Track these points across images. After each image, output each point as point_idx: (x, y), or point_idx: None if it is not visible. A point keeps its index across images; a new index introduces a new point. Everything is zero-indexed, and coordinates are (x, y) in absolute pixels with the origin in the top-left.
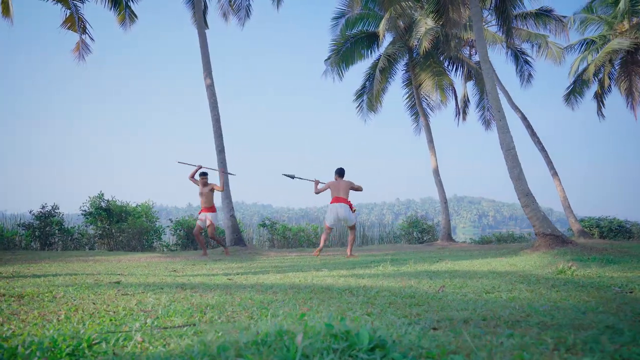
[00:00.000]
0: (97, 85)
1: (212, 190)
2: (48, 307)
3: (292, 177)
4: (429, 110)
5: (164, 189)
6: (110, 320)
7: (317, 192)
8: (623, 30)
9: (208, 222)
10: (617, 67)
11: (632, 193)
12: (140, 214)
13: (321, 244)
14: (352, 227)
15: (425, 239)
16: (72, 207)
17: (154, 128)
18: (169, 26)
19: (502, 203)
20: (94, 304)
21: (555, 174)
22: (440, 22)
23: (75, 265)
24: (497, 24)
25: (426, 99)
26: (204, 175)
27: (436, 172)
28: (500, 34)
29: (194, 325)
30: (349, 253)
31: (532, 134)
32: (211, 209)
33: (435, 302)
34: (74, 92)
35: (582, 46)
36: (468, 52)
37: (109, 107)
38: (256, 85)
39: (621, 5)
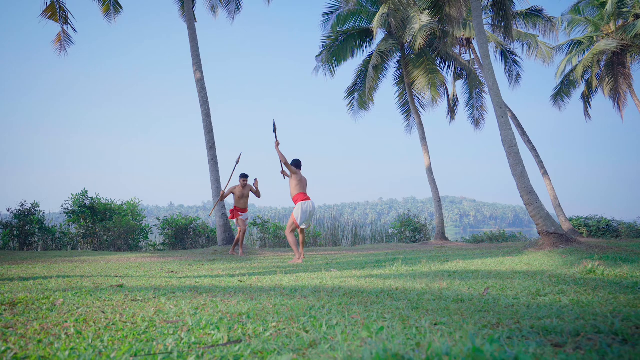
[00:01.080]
0: (81, 83)
1: (249, 191)
2: (50, 318)
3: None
4: (420, 108)
5: (145, 187)
6: (133, 335)
7: (284, 171)
8: (609, 31)
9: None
10: (602, 68)
11: (618, 193)
12: (126, 212)
13: (297, 249)
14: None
15: (417, 237)
16: (53, 206)
17: (138, 126)
18: (157, 20)
19: (483, 203)
20: (103, 312)
21: (545, 173)
22: (437, 18)
23: (62, 266)
24: (495, 21)
25: (419, 97)
26: (244, 177)
27: (429, 170)
28: (492, 31)
29: (240, 341)
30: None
31: (522, 133)
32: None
33: (497, 308)
34: (52, 89)
35: (569, 47)
36: (458, 50)
37: (91, 105)
38: (245, 83)
39: (608, 6)
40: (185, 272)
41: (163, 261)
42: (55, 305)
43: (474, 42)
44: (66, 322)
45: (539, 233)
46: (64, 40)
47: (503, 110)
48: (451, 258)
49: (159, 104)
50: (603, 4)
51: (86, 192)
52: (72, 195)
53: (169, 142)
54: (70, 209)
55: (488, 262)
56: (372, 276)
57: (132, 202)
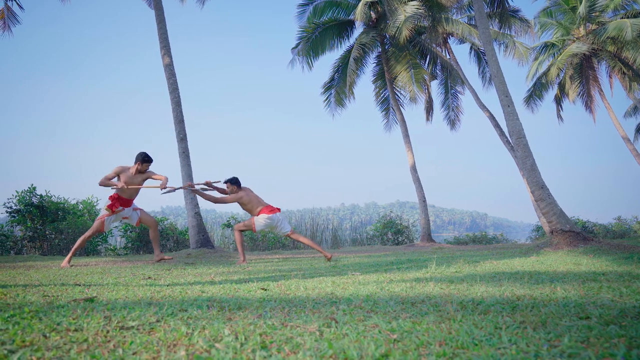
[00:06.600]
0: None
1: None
2: None
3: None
4: (401, 106)
5: (97, 190)
6: None
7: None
8: (579, 35)
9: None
10: (572, 71)
11: (592, 195)
12: (82, 212)
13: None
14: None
15: (400, 240)
16: None
17: (83, 125)
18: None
19: (442, 208)
20: None
21: (525, 174)
22: (428, 4)
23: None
24: (491, 9)
25: (400, 93)
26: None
27: (413, 169)
28: (469, 32)
29: None
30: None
31: (501, 133)
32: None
33: None
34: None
35: (540, 49)
36: (439, 48)
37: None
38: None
39: (581, 9)
40: (167, 278)
41: (131, 266)
42: None
43: (450, 42)
44: None
45: (551, 231)
46: (7, 18)
47: (509, 99)
48: (476, 259)
49: (115, 97)
50: (573, 9)
51: (34, 188)
52: (17, 192)
53: (122, 140)
54: (14, 207)
55: (527, 263)
56: (421, 280)
57: (88, 201)
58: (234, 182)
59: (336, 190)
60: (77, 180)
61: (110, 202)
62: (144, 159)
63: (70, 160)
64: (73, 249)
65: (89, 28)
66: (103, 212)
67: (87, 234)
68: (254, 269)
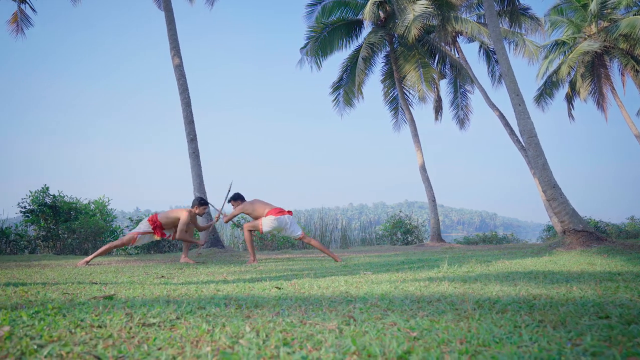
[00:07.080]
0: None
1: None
2: None
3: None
4: (409, 105)
5: (106, 191)
6: None
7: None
8: (591, 33)
9: None
10: (584, 69)
11: (600, 194)
12: (94, 211)
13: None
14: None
15: (409, 239)
16: (6, 208)
17: (93, 126)
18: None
19: (451, 208)
20: None
21: (536, 173)
22: (437, 3)
23: (16, 271)
24: (501, 7)
25: (409, 92)
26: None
27: (423, 169)
28: (478, 30)
29: None
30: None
31: (511, 132)
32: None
33: None
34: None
35: (551, 47)
36: (448, 46)
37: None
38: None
39: (592, 6)
40: (180, 277)
41: (144, 265)
42: None
43: (460, 41)
44: None
45: (563, 231)
46: (21, 21)
47: (520, 98)
48: (487, 259)
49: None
50: (584, 6)
51: (47, 189)
52: (31, 192)
53: (122, 140)
54: (28, 207)
55: (540, 262)
56: (434, 279)
57: (100, 201)
58: (236, 198)
59: (344, 190)
60: (77, 179)
61: (152, 226)
62: (201, 203)
63: (70, 159)
64: (97, 252)
65: (88, 27)
66: (143, 228)
67: (115, 243)
68: (265, 268)
